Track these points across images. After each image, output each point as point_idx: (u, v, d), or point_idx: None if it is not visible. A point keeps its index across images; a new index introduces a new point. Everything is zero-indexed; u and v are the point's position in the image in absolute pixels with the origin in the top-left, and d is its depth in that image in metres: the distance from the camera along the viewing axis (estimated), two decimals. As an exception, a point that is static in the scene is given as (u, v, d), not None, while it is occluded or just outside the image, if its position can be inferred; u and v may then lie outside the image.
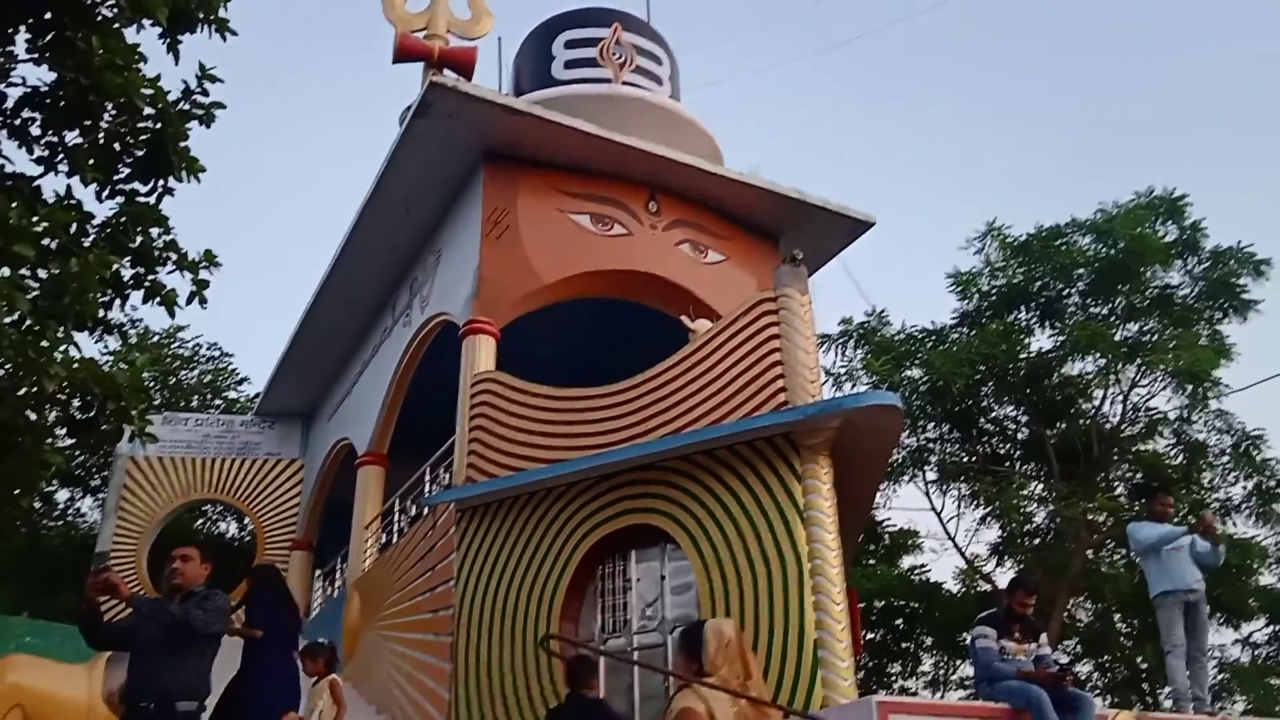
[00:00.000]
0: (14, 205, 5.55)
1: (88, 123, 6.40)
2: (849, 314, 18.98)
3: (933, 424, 17.13)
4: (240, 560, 18.37)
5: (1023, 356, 16.19)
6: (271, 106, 77.59)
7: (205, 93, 6.68)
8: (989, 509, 16.76)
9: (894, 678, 20.54)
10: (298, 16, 76.37)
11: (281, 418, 19.81)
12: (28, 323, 5.77)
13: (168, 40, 6.53)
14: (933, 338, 17.01)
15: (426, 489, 13.77)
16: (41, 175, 6.51)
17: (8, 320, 5.57)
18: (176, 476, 18.90)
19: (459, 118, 12.89)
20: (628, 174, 13.85)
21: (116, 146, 6.56)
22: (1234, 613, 16.75)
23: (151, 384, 22.68)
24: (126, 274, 6.62)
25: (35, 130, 6.46)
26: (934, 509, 17.31)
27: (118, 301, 6.63)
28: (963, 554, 17.54)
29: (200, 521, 24.41)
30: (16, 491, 6.66)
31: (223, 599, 5.30)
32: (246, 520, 21.44)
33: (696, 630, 3.90)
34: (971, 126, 76.57)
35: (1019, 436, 17.35)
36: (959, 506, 17.41)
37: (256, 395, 22.13)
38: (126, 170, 6.66)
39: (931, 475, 17.31)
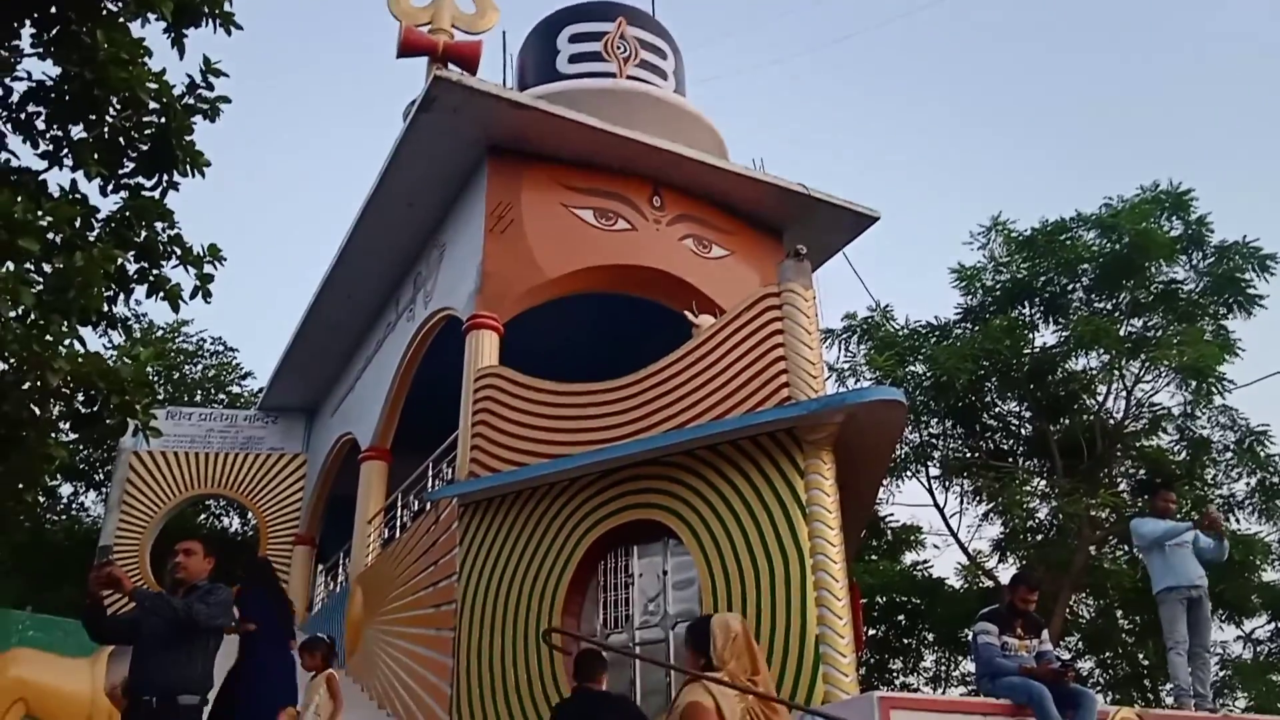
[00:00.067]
0: (19, 199, 5.55)
1: (92, 117, 6.40)
2: (853, 309, 18.94)
3: (936, 419, 17.11)
4: (243, 555, 18.39)
5: (1026, 352, 16.17)
6: (276, 101, 77.63)
7: (210, 87, 6.67)
8: (992, 505, 16.75)
9: (896, 674, 20.55)
10: (303, 10, 76.37)
11: (285, 412, 19.84)
12: (32, 317, 5.77)
13: (172, 35, 6.53)
14: (936, 333, 16.99)
15: (429, 484, 13.78)
16: (46, 169, 6.51)
17: (12, 314, 5.57)
18: (180, 471, 18.94)
19: (463, 112, 12.89)
20: (632, 168, 13.85)
21: (121, 141, 6.56)
22: (1236, 609, 16.73)
23: (155, 379, 22.71)
24: (131, 268, 6.62)
25: (40, 124, 6.46)
26: (936, 505, 17.30)
27: (122, 296, 6.63)
28: (965, 550, 17.54)
29: (203, 516, 24.46)
30: (20, 486, 6.67)
31: (225, 593, 5.31)
32: (249, 515, 21.48)
33: (703, 625, 3.90)
34: (975, 121, 76.50)
35: (1022, 432, 17.32)
36: (962, 502, 17.41)
37: (260, 390, 22.18)
38: (131, 165, 6.66)
39: (934, 471, 17.31)
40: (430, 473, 13.90)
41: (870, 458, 10.11)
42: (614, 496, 10.31)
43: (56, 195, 6.39)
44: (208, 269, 6.74)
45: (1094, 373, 16.22)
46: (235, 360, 26.13)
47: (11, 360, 5.79)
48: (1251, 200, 57.11)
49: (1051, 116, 71.68)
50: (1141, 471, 16.60)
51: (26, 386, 5.88)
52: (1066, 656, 16.10)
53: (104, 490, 22.43)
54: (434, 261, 14.60)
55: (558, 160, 13.58)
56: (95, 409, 6.21)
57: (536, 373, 11.67)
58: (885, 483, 16.57)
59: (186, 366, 25.26)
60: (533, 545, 10.63)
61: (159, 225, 6.66)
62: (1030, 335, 16.36)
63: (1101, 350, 15.59)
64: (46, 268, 5.92)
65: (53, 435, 6.45)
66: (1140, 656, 18.15)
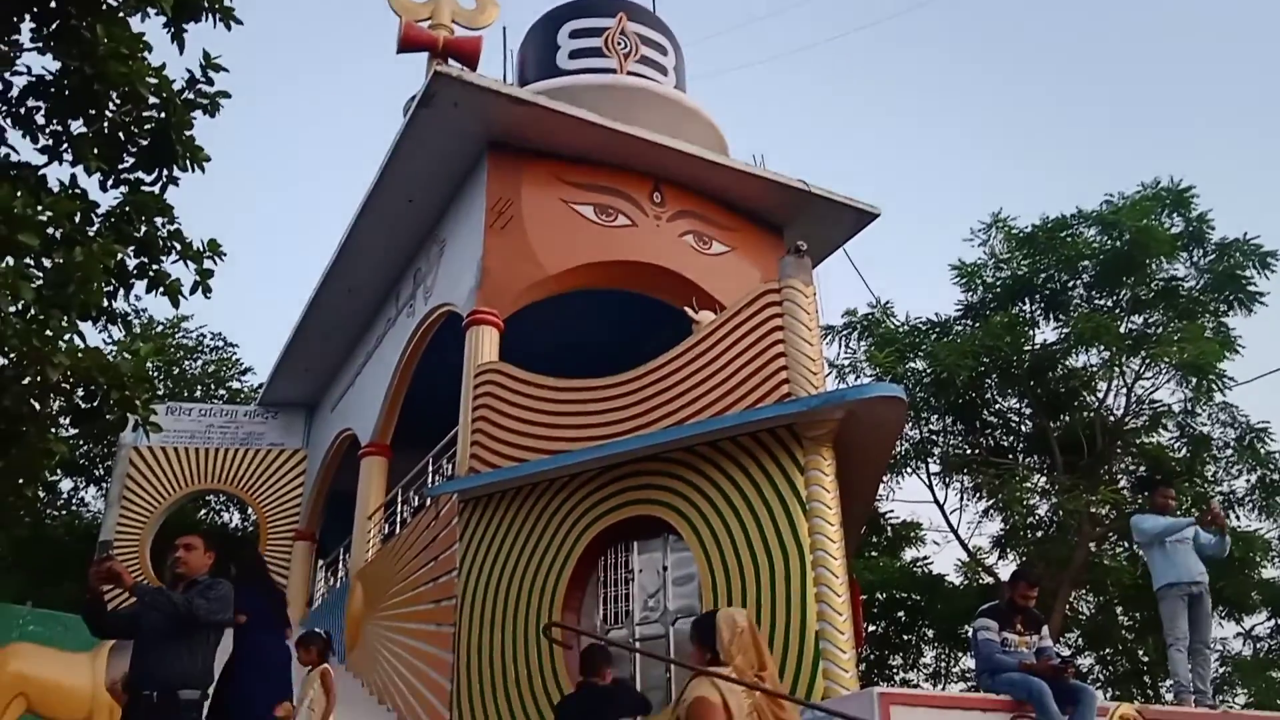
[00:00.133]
0: (19, 194, 5.55)
1: (92, 112, 6.40)
2: (853, 305, 18.92)
3: (936, 416, 17.10)
4: (241, 551, 18.38)
5: (1027, 349, 16.15)
6: (276, 96, 77.56)
7: (210, 82, 6.67)
8: (992, 501, 16.74)
9: (895, 670, 20.55)
10: (303, 5, 76.27)
11: (285, 408, 19.84)
12: (32, 312, 5.77)
13: (172, 29, 6.53)
14: (936, 330, 16.98)
15: (429, 480, 13.78)
16: (46, 164, 6.51)
17: (12, 309, 5.57)
18: (180, 466, 18.94)
19: (463, 108, 12.88)
20: (632, 164, 13.84)
21: (121, 136, 6.55)
22: (1236, 606, 16.73)
23: (155, 374, 22.71)
24: (131, 263, 6.62)
25: (40, 119, 6.46)
26: (936, 501, 17.29)
27: (122, 291, 6.63)
28: (965, 546, 17.53)
29: (203, 511, 24.47)
30: (21, 481, 6.67)
31: (226, 588, 5.31)
32: (250, 510, 21.48)
33: (709, 620, 3.89)
34: (976, 118, 76.40)
35: (1022, 429, 17.31)
36: (962, 499, 17.40)
37: (260, 385, 22.18)
38: (131, 159, 6.66)
39: (934, 467, 17.29)
40: (430, 468, 13.90)
41: (870, 454, 10.11)
42: (614, 492, 10.32)
43: (56, 190, 6.39)
44: (207, 264, 6.74)
45: (1094, 369, 16.21)
46: (235, 356, 26.17)
47: (12, 355, 5.79)
48: (1258, 193, 57.14)
49: (1052, 113, 71.65)
50: (1142, 468, 16.59)
51: (27, 381, 5.87)
52: (1066, 653, 16.10)
53: (104, 485, 22.43)
54: (434, 257, 14.59)
55: (558, 156, 13.57)
56: (95, 404, 6.20)
57: (536, 369, 11.67)
58: (885, 479, 16.55)
59: (186, 362, 25.26)
60: (533, 541, 10.64)
61: (159, 220, 6.66)
62: (1030, 332, 16.34)
63: (1102, 347, 15.57)
64: (46, 263, 5.92)
65: (53, 430, 6.45)
66: (1140, 653, 18.15)
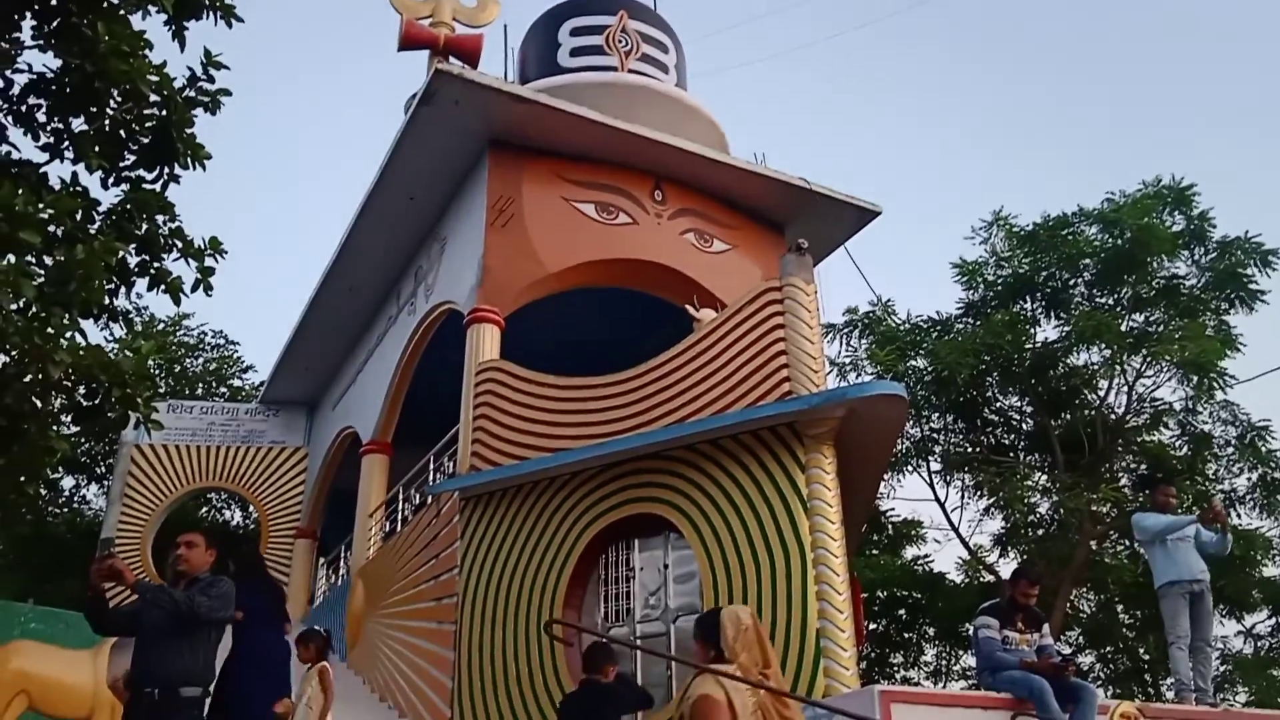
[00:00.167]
0: (20, 192, 5.54)
1: (93, 109, 6.39)
2: (854, 303, 18.88)
3: (937, 414, 17.09)
4: (241, 547, 18.41)
5: (1028, 347, 16.14)
6: (278, 94, 77.56)
7: (211, 80, 6.66)
8: (993, 499, 16.73)
9: (896, 668, 20.55)
10: (303, 4, 76.27)
11: (286, 406, 19.85)
12: (33, 309, 5.76)
13: (173, 27, 6.52)
14: (938, 328, 16.96)
15: (431, 477, 13.79)
16: (47, 162, 6.51)
17: (13, 307, 5.57)
18: (181, 464, 18.95)
19: (464, 106, 12.88)
20: (633, 162, 13.84)
21: (122, 133, 6.54)
22: (1237, 604, 16.72)
23: (157, 371, 22.72)
24: (132, 261, 6.61)
25: (41, 117, 6.45)
26: (937, 499, 17.28)
27: (123, 289, 6.62)
28: (966, 544, 17.52)
29: (205, 509, 24.48)
30: (22, 479, 6.67)
31: (227, 585, 5.31)
32: (251, 508, 21.50)
33: (713, 617, 3.88)
34: (977, 115, 76.35)
35: (1023, 427, 17.30)
36: (963, 497, 17.38)
37: (261, 383, 22.20)
38: (132, 157, 6.65)
39: (935, 465, 17.28)
40: (431, 466, 13.91)
41: (871, 452, 10.12)
42: (615, 490, 10.32)
43: (57, 188, 6.38)
44: (209, 262, 6.73)
45: (1095, 368, 16.20)
46: (236, 354, 26.17)
47: (13, 353, 5.79)
48: (1260, 191, 57.10)
49: (1053, 112, 71.61)
50: (1143, 467, 16.58)
51: (28, 379, 5.87)
52: (1067, 651, 16.07)
53: (106, 483, 22.45)
54: (435, 255, 14.60)
55: (559, 154, 13.57)
56: (97, 402, 6.20)
57: (537, 367, 11.67)
58: (886, 477, 16.55)
59: (188, 360, 25.26)
60: (534, 539, 10.65)
61: (160, 218, 6.65)
62: (1032, 330, 16.33)
63: (1103, 345, 15.56)
64: (48, 260, 5.92)
65: (54, 428, 6.45)
66: (1141, 651, 18.14)
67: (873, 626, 19.40)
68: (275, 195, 77.15)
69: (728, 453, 9.74)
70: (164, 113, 6.53)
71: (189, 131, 6.63)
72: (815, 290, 10.35)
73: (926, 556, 19.62)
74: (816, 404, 9.34)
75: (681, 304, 12.40)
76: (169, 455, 18.89)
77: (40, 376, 5.84)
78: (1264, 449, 15.67)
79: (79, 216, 6.21)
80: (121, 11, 6.34)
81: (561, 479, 10.70)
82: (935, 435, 17.35)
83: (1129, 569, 15.97)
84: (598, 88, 14.87)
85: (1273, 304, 15.50)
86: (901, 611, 19.76)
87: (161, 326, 24.81)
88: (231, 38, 6.98)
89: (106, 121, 6.47)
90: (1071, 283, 16.22)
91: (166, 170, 6.71)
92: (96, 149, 6.43)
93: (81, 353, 5.97)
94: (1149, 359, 15.51)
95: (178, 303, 6.89)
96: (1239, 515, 15.93)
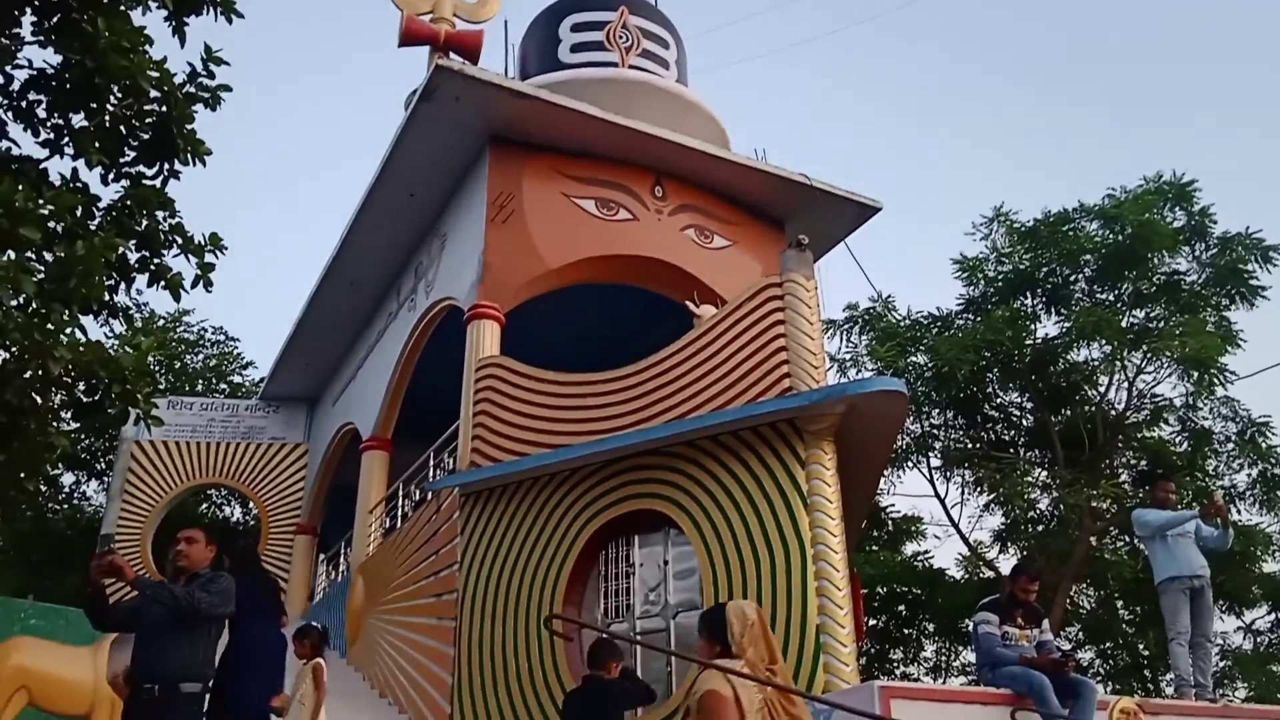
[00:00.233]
0: (20, 188, 5.54)
1: (93, 105, 6.39)
2: (855, 299, 18.88)
3: (937, 410, 17.09)
4: (236, 541, 18.42)
5: (1028, 343, 16.13)
6: (278, 89, 77.51)
7: (211, 75, 6.66)
8: (993, 495, 16.73)
9: (896, 664, 20.56)
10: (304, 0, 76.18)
11: (286, 402, 19.86)
12: (33, 305, 5.76)
13: (173, 23, 6.52)
14: (938, 324, 16.96)
15: (431, 474, 13.80)
16: (47, 158, 6.51)
17: (13, 303, 5.56)
18: (181, 460, 18.96)
19: (464, 102, 12.87)
20: (634, 158, 13.83)
21: (122, 129, 6.54)
22: (1237, 600, 16.73)
23: (157, 368, 22.72)
24: (132, 257, 6.61)
25: (41, 113, 6.45)
26: (938, 495, 17.29)
27: (123, 285, 6.62)
28: (966, 540, 17.52)
29: (205, 506, 24.49)
30: (22, 475, 6.66)
31: (228, 581, 5.32)
32: (251, 504, 21.51)
33: (718, 612, 3.85)
34: (978, 111, 76.30)
35: (1024, 423, 17.31)
36: (963, 493, 17.39)
37: (261, 380, 22.19)
38: (132, 153, 6.65)
39: (935, 461, 17.29)
40: (431, 462, 13.91)
41: (871, 448, 10.11)
42: (615, 486, 10.32)
43: (57, 184, 6.38)
44: (209, 258, 6.73)
45: (1095, 364, 16.19)
46: (236, 350, 26.15)
47: (13, 349, 5.79)
48: (1261, 186, 57.03)
49: (1054, 107, 71.57)
50: (1143, 462, 16.58)
51: (28, 375, 5.87)
52: (1067, 646, 16.08)
53: (106, 479, 22.46)
54: (435, 251, 14.59)
55: (559, 150, 13.56)
56: (97, 398, 6.20)
57: (538, 363, 11.67)
58: (886, 473, 16.56)
59: (188, 356, 25.25)
60: (534, 535, 10.65)
61: (160, 214, 6.65)
62: (1032, 326, 16.33)
63: (1103, 341, 15.56)
64: (48, 256, 5.92)
65: (54, 424, 6.45)
66: (1140, 647, 18.15)
67: (873, 622, 19.41)
68: (276, 191, 77.17)
69: (728, 449, 9.74)
70: (164, 108, 6.53)
71: (189, 127, 6.64)
72: (815, 286, 10.34)
73: (926, 552, 19.66)
74: (817, 400, 9.34)
75: (682, 300, 12.40)
76: (169, 451, 18.90)
77: (40, 372, 5.84)
78: (1264, 445, 15.68)
79: (79, 212, 6.21)
80: (122, 7, 6.34)
81: (561, 475, 10.70)
82: (935, 431, 17.35)
83: (1129, 565, 15.98)
84: (598, 84, 14.86)
85: (1273, 300, 15.51)
86: (901, 607, 19.77)
87: (162, 323, 24.80)
88: (231, 33, 6.97)
89: (107, 117, 6.47)
90: (1072, 279, 16.22)
91: (167, 166, 6.72)
92: (97, 145, 6.43)
93: (81, 349, 5.97)
94: (1149, 355, 15.51)
95: (178, 299, 6.90)
96: (1239, 511, 15.95)
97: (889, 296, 17.56)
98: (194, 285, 6.75)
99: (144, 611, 5.18)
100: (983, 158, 77.36)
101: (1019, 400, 17.21)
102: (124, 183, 6.66)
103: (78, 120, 6.45)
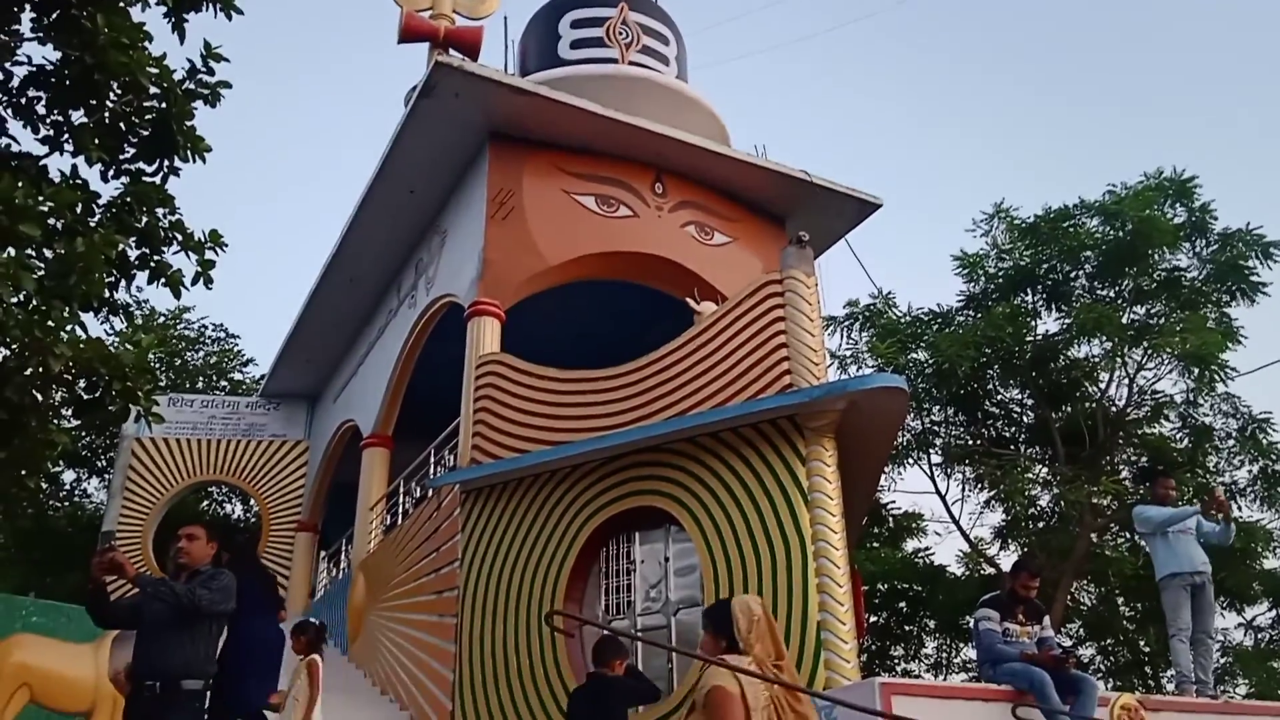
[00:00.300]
0: (19, 185, 5.54)
1: (93, 102, 6.39)
2: (855, 296, 18.86)
3: (938, 407, 17.09)
4: (234, 536, 18.45)
5: (1029, 339, 16.13)
6: (277, 86, 77.47)
7: (211, 72, 6.66)
8: (993, 492, 16.73)
9: (897, 660, 20.58)
10: (302, -4, 76.11)
11: (287, 399, 19.85)
12: (34, 303, 5.76)
13: (173, 19, 6.51)
14: (939, 320, 16.96)
15: (431, 471, 13.79)
16: (47, 155, 6.50)
17: (13, 300, 5.56)
18: (182, 457, 18.96)
19: (464, 98, 12.86)
20: (634, 155, 13.81)
21: (122, 126, 6.54)
22: (1238, 597, 16.75)
23: (157, 365, 22.72)
24: (132, 254, 6.61)
25: (40, 109, 6.45)
26: (938, 492, 17.29)
27: (123, 282, 6.62)
28: (967, 537, 17.54)
29: (206, 503, 24.49)
30: (23, 472, 6.66)
31: (229, 578, 5.32)
32: (252, 501, 21.51)
33: (723, 608, 3.83)
34: (979, 107, 76.24)
35: (1024, 419, 17.31)
36: (963, 489, 17.40)
37: (262, 377, 22.18)
38: (132, 150, 6.65)
39: (936, 458, 17.29)
40: (432, 459, 13.91)
41: (872, 445, 10.11)
42: (616, 483, 10.32)
43: (57, 180, 6.38)
44: (209, 255, 6.73)
45: (1096, 360, 16.19)
46: (237, 347, 26.15)
47: (13, 346, 5.79)
48: (1262, 183, 56.99)
49: (1055, 103, 71.51)
50: (1143, 459, 16.57)
51: (28, 372, 5.87)
52: (1068, 643, 16.12)
53: (107, 476, 22.45)
54: (435, 248, 14.58)
55: (559, 146, 13.55)
56: (97, 395, 6.20)
57: (538, 360, 11.66)
58: (887, 470, 16.57)
59: (188, 353, 25.25)
60: (535, 532, 10.65)
61: (160, 211, 6.65)
62: (1032, 322, 16.33)
63: (1104, 338, 15.55)
64: (48, 253, 5.91)
65: (55, 421, 6.45)
66: (1141, 643, 18.17)
67: (873, 619, 19.42)
68: (276, 188, 77.14)
69: (728, 446, 9.73)
70: (164, 105, 6.53)
71: (189, 124, 6.63)
72: (816, 283, 10.33)
73: (927, 549, 19.67)
74: (817, 397, 9.34)
75: (682, 297, 12.38)
76: (170, 449, 18.90)
77: (41, 370, 5.83)
78: (1265, 441, 15.68)
79: (79, 209, 6.20)
80: (121, 4, 6.33)
81: (562, 472, 10.70)
82: (936, 428, 17.36)
83: (1129, 561, 15.99)
84: (598, 80, 14.85)
85: (1274, 296, 15.51)
86: (902, 604, 19.79)
87: (162, 320, 24.79)
88: (231, 30, 6.98)
89: (106, 114, 6.46)
90: (1072, 275, 16.22)
91: (166, 163, 6.71)
92: (96, 141, 6.42)
93: (82, 346, 5.97)
94: (1150, 351, 15.51)
95: (178, 296, 6.90)
96: (1240, 508, 15.95)
97: (889, 293, 17.58)
98: (194, 282, 6.75)
99: (145, 608, 5.18)
100: (983, 154, 77.38)
101: (1019, 397, 17.21)
102: (124, 179, 6.65)
103: (77, 117, 6.45)
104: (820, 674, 8.40)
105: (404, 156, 13.83)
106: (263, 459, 19.30)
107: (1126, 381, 16.13)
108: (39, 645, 8.92)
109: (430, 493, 12.85)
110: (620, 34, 15.77)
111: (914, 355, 16.67)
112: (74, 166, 6.45)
